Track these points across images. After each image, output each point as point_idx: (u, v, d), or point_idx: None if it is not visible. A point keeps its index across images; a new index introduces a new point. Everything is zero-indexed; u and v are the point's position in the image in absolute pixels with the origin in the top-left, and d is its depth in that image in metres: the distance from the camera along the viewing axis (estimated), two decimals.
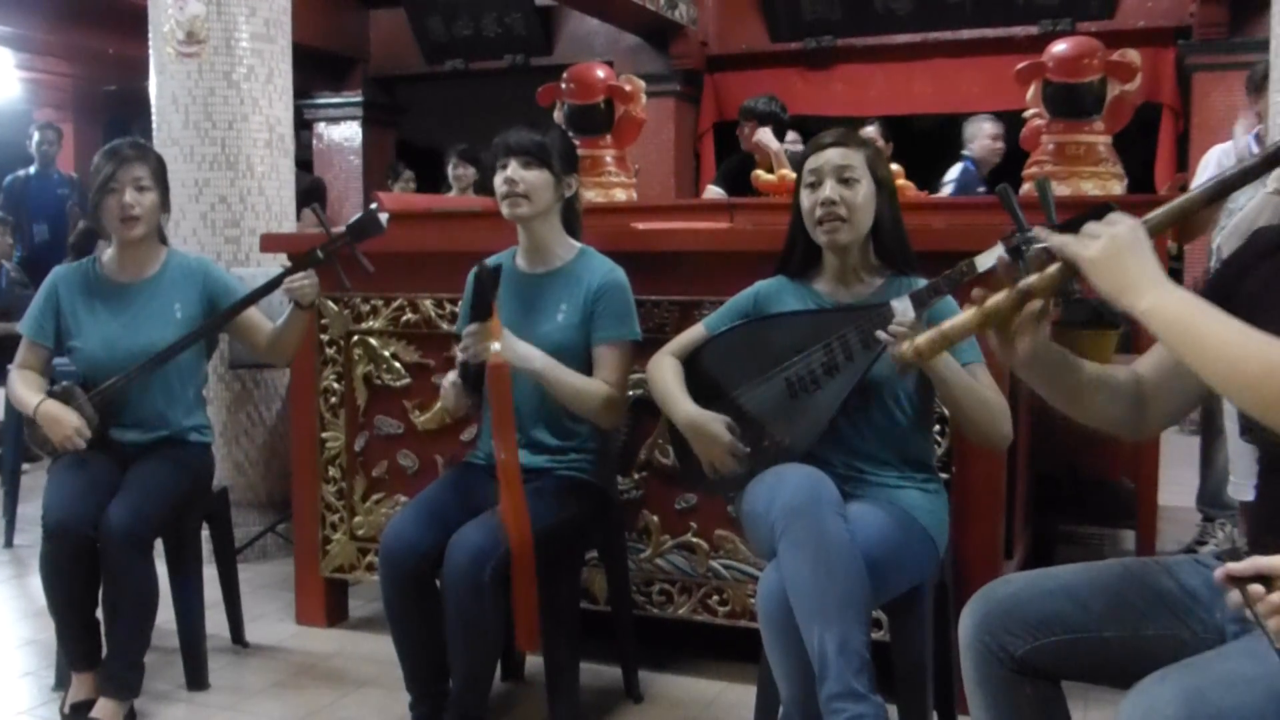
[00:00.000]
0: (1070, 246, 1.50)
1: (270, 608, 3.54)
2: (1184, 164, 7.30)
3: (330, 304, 3.22)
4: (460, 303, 2.80)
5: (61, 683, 2.86)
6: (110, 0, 7.81)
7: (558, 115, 4.62)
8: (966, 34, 8.11)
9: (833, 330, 2.23)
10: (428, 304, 3.11)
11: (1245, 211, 3.48)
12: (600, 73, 4.66)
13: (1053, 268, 1.54)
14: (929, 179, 5.65)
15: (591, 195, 4.29)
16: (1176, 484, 4.44)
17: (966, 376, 2.17)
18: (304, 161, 8.89)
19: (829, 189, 2.25)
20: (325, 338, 3.25)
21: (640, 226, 3.38)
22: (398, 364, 3.17)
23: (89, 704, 2.67)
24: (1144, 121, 6.20)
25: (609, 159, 4.57)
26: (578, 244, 2.70)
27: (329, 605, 3.37)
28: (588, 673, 2.71)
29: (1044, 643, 1.63)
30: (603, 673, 2.90)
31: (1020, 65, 3.95)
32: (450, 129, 9.89)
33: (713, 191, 5.34)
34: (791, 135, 5.66)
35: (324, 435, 3.28)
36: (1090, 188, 3.77)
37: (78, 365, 2.87)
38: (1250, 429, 1.54)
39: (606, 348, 2.58)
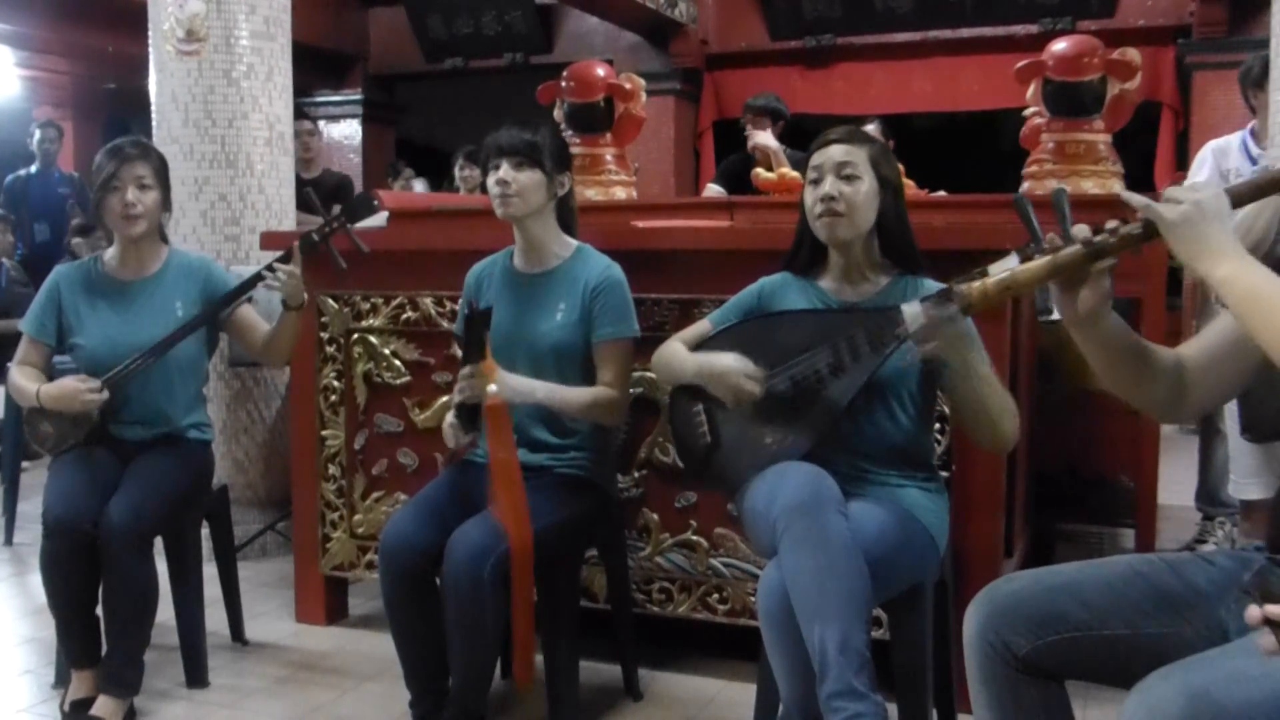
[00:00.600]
0: (1153, 208, 1.51)
1: (270, 605, 3.54)
2: (1184, 162, 7.29)
3: (330, 301, 3.22)
4: (459, 302, 2.80)
5: (61, 680, 2.86)
6: None
7: (558, 113, 4.63)
8: (966, 32, 8.11)
9: (840, 330, 2.22)
10: (428, 302, 3.11)
11: (1244, 211, 3.47)
12: (600, 71, 4.66)
13: (1132, 226, 1.54)
14: (930, 177, 5.65)
15: (591, 193, 4.30)
16: (1176, 483, 4.44)
17: (993, 373, 2.16)
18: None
19: (829, 184, 2.25)
20: (325, 335, 3.25)
21: (640, 225, 3.38)
22: (398, 362, 3.17)
23: (89, 701, 2.67)
24: (1144, 120, 6.21)
25: (609, 157, 4.57)
26: (574, 242, 2.70)
27: (329, 603, 3.37)
28: (587, 671, 2.71)
29: (1047, 641, 1.63)
30: (602, 671, 2.90)
31: (1020, 64, 3.95)
32: (450, 127, 9.91)
33: (713, 190, 5.34)
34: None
35: (324, 433, 3.28)
36: (1090, 186, 3.77)
37: (79, 362, 2.87)
38: (1251, 428, 1.54)
39: (607, 345, 2.59)
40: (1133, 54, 3.83)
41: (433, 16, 9.38)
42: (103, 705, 2.65)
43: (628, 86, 4.57)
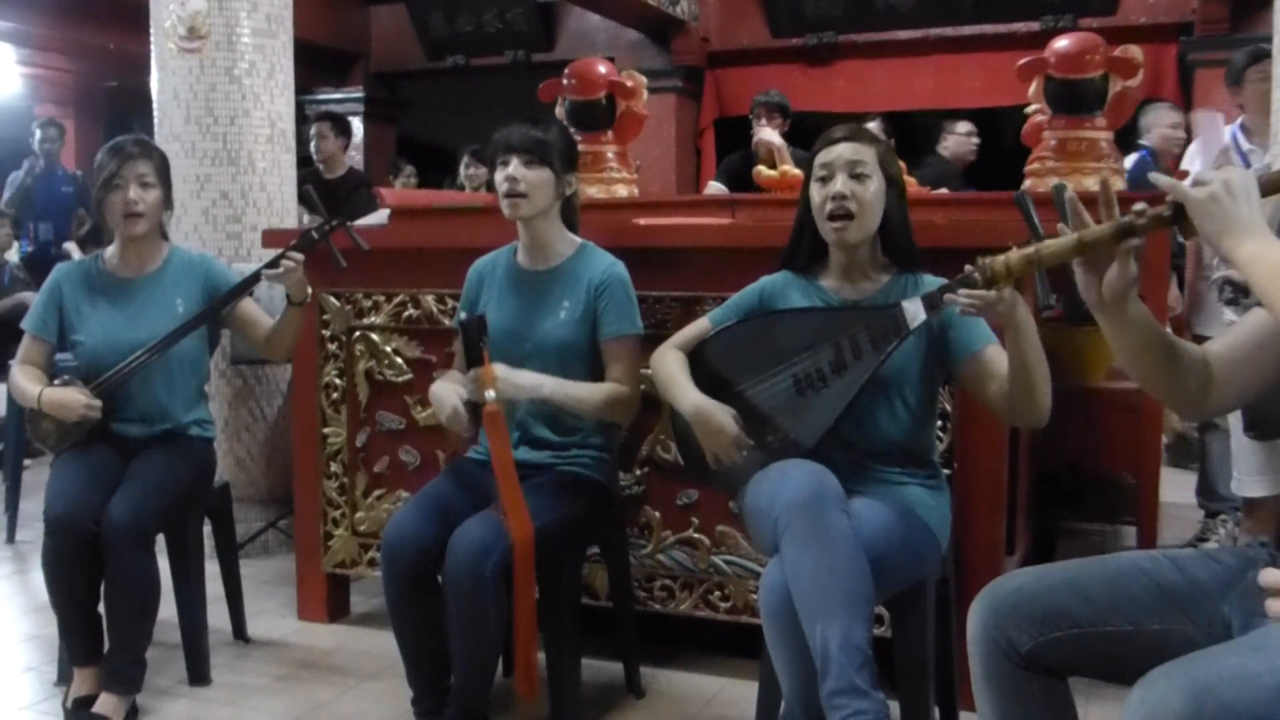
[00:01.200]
0: (1180, 188, 1.52)
1: (272, 603, 3.54)
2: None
3: (332, 299, 3.22)
4: (460, 299, 2.80)
5: (64, 678, 2.86)
6: None
7: (559, 111, 4.62)
8: (968, 30, 8.11)
9: (841, 329, 2.22)
10: (429, 299, 3.11)
11: None
12: (602, 69, 4.65)
13: (1159, 208, 1.54)
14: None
15: (593, 191, 4.29)
16: (1178, 480, 4.44)
17: (1036, 336, 2.11)
18: (304, 158, 8.88)
19: (840, 183, 2.24)
20: (327, 333, 3.25)
21: (642, 222, 3.37)
22: (399, 359, 3.17)
23: (91, 699, 2.67)
24: None
25: (610, 155, 4.57)
26: (578, 239, 2.69)
27: (330, 601, 3.38)
28: (589, 668, 2.72)
29: (1050, 638, 1.63)
30: (604, 668, 2.90)
31: (1022, 61, 3.95)
32: (451, 125, 9.90)
33: (714, 187, 5.34)
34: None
35: (325, 431, 3.28)
36: (1092, 184, 3.76)
37: (80, 360, 2.87)
38: (1255, 426, 1.54)
39: (615, 343, 2.59)
40: (1135, 51, 3.83)
41: (434, 14, 9.37)
42: (105, 703, 2.65)
43: (629, 84, 4.57)
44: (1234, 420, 3.29)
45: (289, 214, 4.25)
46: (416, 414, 3.16)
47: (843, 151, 2.27)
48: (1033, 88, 3.93)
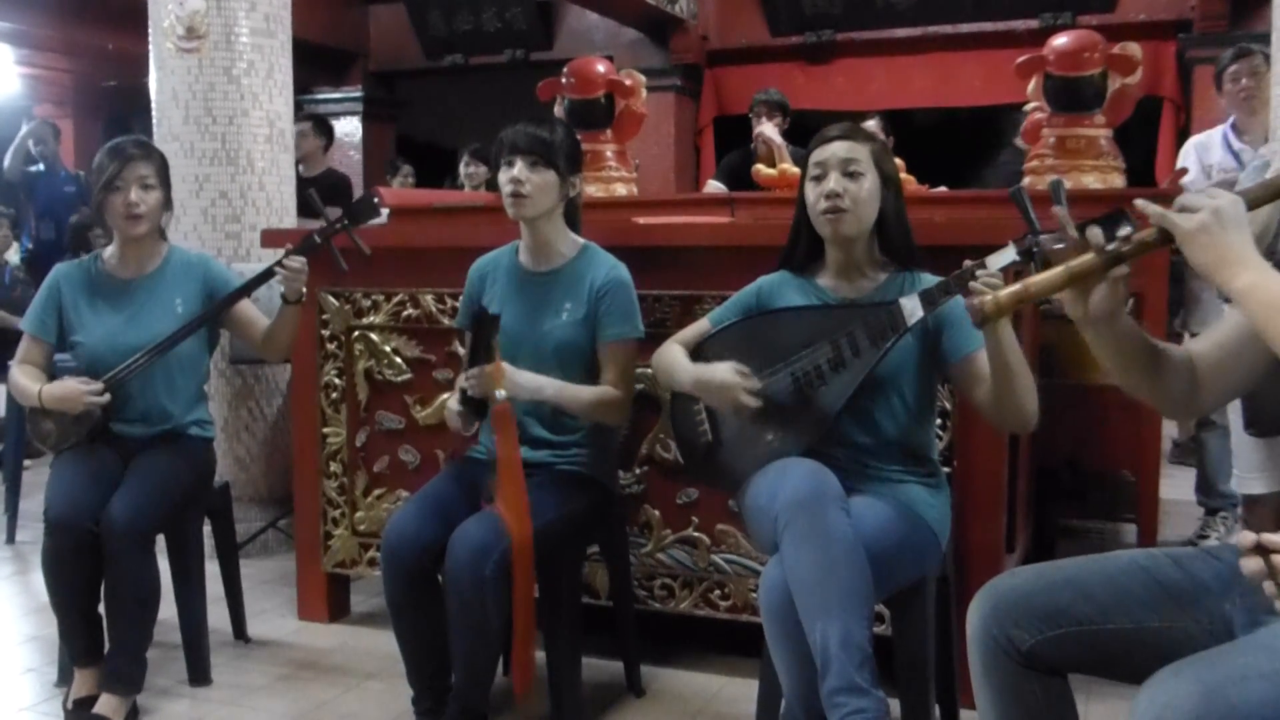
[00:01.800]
0: (1169, 218, 1.48)
1: (272, 603, 3.54)
2: None
3: (331, 299, 3.22)
4: (461, 299, 2.80)
5: (64, 679, 2.86)
6: None
7: (558, 110, 4.62)
8: (967, 28, 8.11)
9: (839, 326, 2.22)
10: (429, 299, 3.11)
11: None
12: (600, 67, 4.66)
13: (1148, 234, 1.52)
14: (930, 173, 5.65)
15: (592, 190, 4.30)
16: (1177, 477, 4.44)
17: (1017, 346, 2.12)
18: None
19: (833, 181, 2.25)
20: (326, 333, 3.25)
21: (641, 221, 3.37)
22: (399, 359, 3.17)
23: (91, 700, 2.67)
24: (1145, 115, 6.20)
25: (609, 154, 4.57)
26: (581, 240, 2.69)
27: (331, 600, 3.37)
28: (589, 667, 2.72)
29: (1050, 635, 1.63)
30: (604, 667, 2.90)
31: (1021, 59, 3.95)
32: (451, 124, 9.90)
33: (713, 186, 5.34)
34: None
35: (325, 430, 3.28)
36: (1091, 181, 3.77)
37: (80, 361, 2.87)
38: (1255, 423, 1.54)
39: (612, 346, 2.59)
40: (1134, 49, 3.83)
41: (433, 13, 9.37)
42: (105, 703, 2.65)
43: (628, 83, 4.57)
44: (1234, 417, 3.29)
45: (288, 214, 4.25)
46: (416, 413, 3.16)
47: (836, 150, 2.27)
48: (1032, 85, 3.94)
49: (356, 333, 3.22)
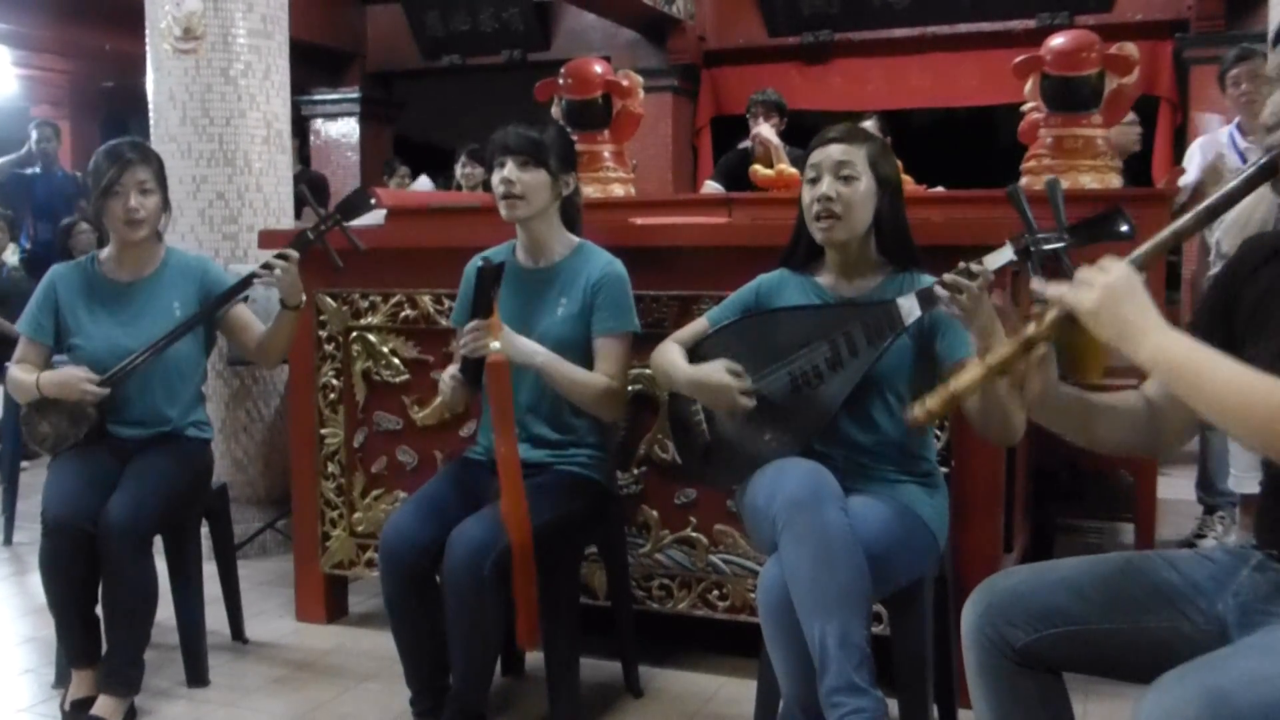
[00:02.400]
0: (1067, 297, 1.50)
1: (270, 604, 3.54)
2: (1181, 157, 7.29)
3: (329, 300, 3.22)
4: (457, 297, 2.80)
5: (61, 680, 2.86)
6: None
7: (555, 110, 4.63)
8: (964, 28, 8.11)
9: (837, 326, 2.23)
10: (426, 300, 3.11)
11: (1243, 205, 3.48)
12: (598, 68, 4.66)
13: (1052, 315, 1.54)
14: (928, 173, 5.66)
15: (589, 190, 4.30)
16: (1175, 477, 4.44)
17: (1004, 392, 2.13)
18: (303, 157, 8.89)
19: (826, 185, 2.25)
20: (324, 334, 3.25)
21: (638, 222, 3.37)
22: (396, 360, 3.17)
23: (89, 701, 2.67)
24: (1141, 115, 6.20)
25: (607, 154, 4.57)
26: (576, 239, 2.69)
27: (329, 601, 3.37)
28: (588, 668, 2.71)
29: (1045, 634, 1.63)
30: (603, 668, 2.90)
31: (1018, 59, 3.95)
32: (448, 125, 9.89)
33: (710, 186, 5.34)
34: None
35: (323, 431, 3.28)
36: (1088, 181, 3.77)
37: (78, 363, 2.86)
38: None
39: (606, 339, 2.59)
40: (1130, 49, 3.84)
41: (430, 14, 9.37)
42: (103, 705, 2.65)
43: (625, 83, 4.57)
44: None
45: (285, 214, 4.25)
46: (414, 414, 3.16)
47: (831, 153, 2.27)
48: (1029, 85, 3.94)
49: (354, 333, 3.22)
